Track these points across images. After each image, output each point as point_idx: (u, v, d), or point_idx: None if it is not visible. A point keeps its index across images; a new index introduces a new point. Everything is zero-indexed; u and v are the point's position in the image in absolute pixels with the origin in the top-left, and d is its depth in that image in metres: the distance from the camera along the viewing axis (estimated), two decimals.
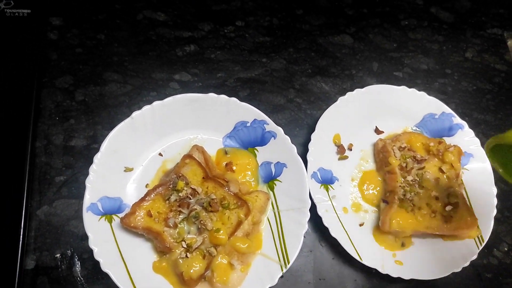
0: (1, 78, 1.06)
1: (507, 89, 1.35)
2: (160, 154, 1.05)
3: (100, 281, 0.93)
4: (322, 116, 1.11)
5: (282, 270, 0.94)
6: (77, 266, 0.93)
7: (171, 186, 0.96)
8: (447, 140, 1.17)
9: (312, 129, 1.09)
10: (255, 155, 1.08)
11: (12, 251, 0.90)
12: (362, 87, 1.15)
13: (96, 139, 1.04)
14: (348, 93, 1.14)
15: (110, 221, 0.94)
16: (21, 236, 0.91)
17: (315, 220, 1.02)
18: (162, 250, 0.94)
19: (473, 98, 1.31)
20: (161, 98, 1.01)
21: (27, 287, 0.90)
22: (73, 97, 1.09)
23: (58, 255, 0.94)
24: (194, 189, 0.96)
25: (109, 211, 0.95)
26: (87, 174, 0.93)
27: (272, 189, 1.05)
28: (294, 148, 1.03)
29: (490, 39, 1.41)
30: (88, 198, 0.92)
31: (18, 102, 1.04)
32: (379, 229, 1.05)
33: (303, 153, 1.06)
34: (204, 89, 1.06)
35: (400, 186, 1.05)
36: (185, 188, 0.96)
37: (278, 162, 1.06)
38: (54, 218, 0.97)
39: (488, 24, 1.44)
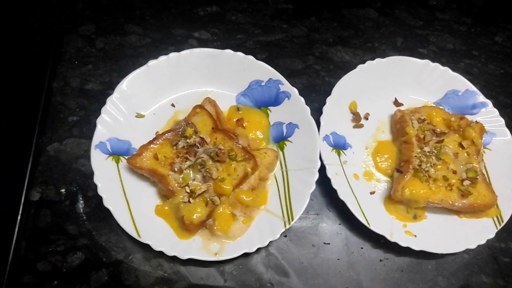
0: (27, 23, 1.09)
1: None
2: (173, 105, 1.05)
3: (101, 220, 0.92)
4: (339, 81, 1.08)
5: (285, 226, 0.91)
6: (81, 203, 0.93)
7: (180, 132, 0.95)
8: (469, 118, 1.12)
9: (329, 95, 1.06)
10: (267, 115, 1.07)
11: (19, 182, 0.91)
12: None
13: (112, 85, 1.05)
14: (368, 62, 1.11)
15: (117, 162, 0.94)
16: (28, 168, 0.92)
17: (325, 185, 1.00)
18: (166, 194, 0.93)
19: (500, 81, 1.26)
20: None
21: (30, 217, 0.91)
22: (94, 44, 1.11)
23: (63, 190, 0.94)
24: (202, 138, 0.95)
25: (117, 152, 0.95)
26: (100, 115, 0.94)
27: (282, 149, 1.03)
28: (307, 109, 1.01)
29: None
30: (98, 136, 0.93)
31: (41, 45, 1.06)
32: (391, 198, 1.01)
33: (317, 118, 1.03)
34: (222, 49, 1.05)
35: (416, 156, 1.00)
36: (193, 136, 0.95)
37: (290, 122, 1.04)
38: (63, 155, 0.98)
39: None
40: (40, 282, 0.85)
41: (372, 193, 1.03)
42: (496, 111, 1.13)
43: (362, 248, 0.99)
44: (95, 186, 0.87)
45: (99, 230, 0.92)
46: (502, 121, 1.12)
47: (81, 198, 0.94)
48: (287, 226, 0.91)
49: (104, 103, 0.95)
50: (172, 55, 1.02)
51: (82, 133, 1.01)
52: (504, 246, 1.04)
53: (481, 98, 1.14)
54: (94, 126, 0.93)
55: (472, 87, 1.15)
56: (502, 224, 1.00)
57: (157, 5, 1.19)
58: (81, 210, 0.93)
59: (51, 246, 0.89)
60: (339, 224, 1.01)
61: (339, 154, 1.04)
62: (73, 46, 1.10)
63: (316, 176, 0.94)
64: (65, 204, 0.93)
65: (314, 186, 0.93)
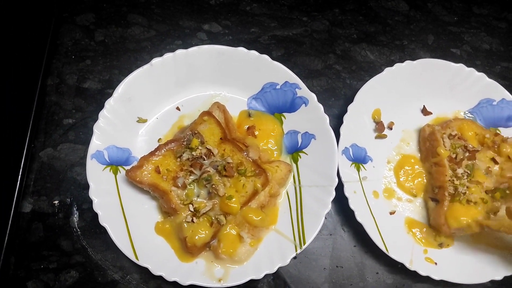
0: (19, 11, 0.98)
1: None
2: (178, 108, 0.96)
3: (97, 236, 0.86)
4: (363, 86, 0.98)
5: (296, 251, 0.84)
6: (75, 216, 0.87)
7: (184, 143, 0.87)
8: (503, 131, 1.01)
9: (350, 100, 0.96)
10: (281, 122, 0.97)
11: (9, 192, 0.84)
12: (412, 60, 1.00)
13: (112, 84, 0.96)
14: (397, 65, 1.00)
15: (115, 173, 0.87)
16: (19, 177, 0.85)
17: (340, 202, 0.92)
18: (167, 211, 0.85)
19: None
20: (187, 48, 0.91)
21: (21, 230, 0.84)
22: (93, 36, 1.01)
23: (56, 202, 0.87)
24: (209, 150, 0.87)
25: (115, 162, 0.87)
26: (97, 119, 0.85)
27: (296, 161, 0.94)
28: (326, 118, 0.91)
29: None
30: (95, 144, 0.85)
31: (34, 34, 0.96)
32: (415, 223, 0.93)
33: (336, 126, 0.94)
34: (234, 44, 0.95)
35: (449, 180, 0.91)
36: (199, 147, 0.86)
37: (306, 132, 0.94)
38: (57, 162, 0.90)
39: None
40: None
41: (392, 213, 0.95)
42: None
43: (377, 273, 0.92)
44: (91, 198, 0.80)
45: (94, 247, 0.85)
46: None
47: (75, 211, 0.87)
48: (298, 251, 0.84)
49: (102, 104, 0.87)
50: (179, 52, 0.92)
51: (78, 138, 0.92)
52: None
53: None
54: (91, 130, 0.85)
55: (509, 96, 1.04)
56: None
57: None
58: (76, 224, 0.86)
59: (43, 263, 0.83)
60: (354, 246, 0.93)
61: (358, 169, 0.95)
62: (70, 37, 0.99)
63: (333, 195, 0.86)
64: (59, 217, 0.86)
65: (330, 207, 0.85)
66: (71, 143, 0.92)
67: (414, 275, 0.89)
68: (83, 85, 0.97)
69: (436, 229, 0.91)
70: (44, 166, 0.89)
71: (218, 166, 0.85)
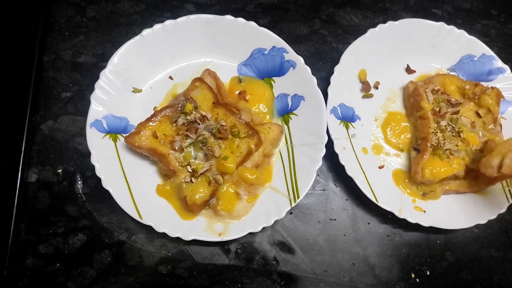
0: None
1: None
2: (171, 78, 0.99)
3: (102, 200, 0.90)
4: (348, 48, 1.01)
5: (291, 204, 0.88)
6: (79, 183, 0.91)
7: (179, 108, 0.90)
8: (485, 85, 1.05)
9: (337, 63, 1.00)
10: (271, 86, 1.01)
11: (14, 163, 0.88)
12: (394, 21, 1.04)
13: (105, 57, 0.99)
14: (380, 25, 1.03)
15: (114, 140, 0.90)
16: (23, 149, 0.89)
17: (332, 160, 0.96)
18: (167, 173, 0.90)
19: None
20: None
21: (28, 199, 0.88)
22: (84, 13, 1.04)
23: (60, 171, 0.91)
24: (203, 115, 0.90)
25: (114, 130, 0.91)
26: (94, 91, 0.88)
27: (287, 122, 0.98)
28: (314, 80, 0.95)
29: None
30: (93, 114, 0.88)
31: (27, 15, 0.99)
32: (400, 173, 0.98)
33: (324, 88, 0.97)
34: (222, 13, 0.97)
35: (433, 132, 0.95)
36: (193, 112, 0.90)
37: (295, 94, 0.98)
38: (58, 134, 0.94)
39: None
40: (43, 265, 0.84)
41: (381, 167, 0.99)
42: None
43: (369, 223, 0.97)
44: (93, 165, 0.84)
45: (99, 210, 0.89)
46: None
47: (79, 178, 0.91)
48: (293, 205, 0.88)
49: (98, 76, 0.90)
50: (168, 22, 0.95)
51: (77, 110, 0.96)
52: None
53: (499, 63, 1.07)
54: (89, 102, 0.88)
55: (489, 51, 1.08)
56: None
57: None
58: (80, 190, 0.90)
59: (51, 228, 0.87)
60: (346, 199, 0.98)
61: (347, 127, 0.99)
62: (62, 15, 1.02)
63: (323, 151, 0.90)
64: (63, 184, 0.90)
65: (320, 162, 0.90)
66: (71, 115, 0.96)
67: (404, 225, 0.94)
68: (78, 59, 1.00)
69: (412, 177, 0.96)
70: (46, 138, 0.93)
71: (212, 129, 0.89)
